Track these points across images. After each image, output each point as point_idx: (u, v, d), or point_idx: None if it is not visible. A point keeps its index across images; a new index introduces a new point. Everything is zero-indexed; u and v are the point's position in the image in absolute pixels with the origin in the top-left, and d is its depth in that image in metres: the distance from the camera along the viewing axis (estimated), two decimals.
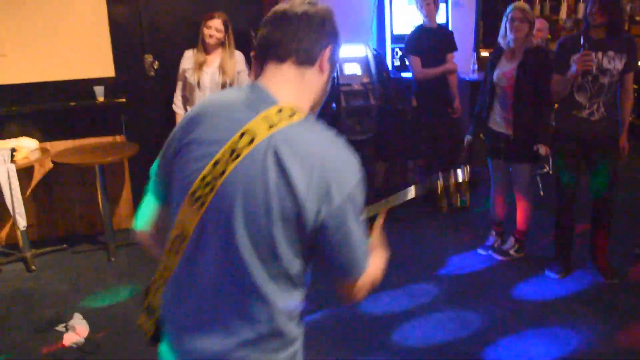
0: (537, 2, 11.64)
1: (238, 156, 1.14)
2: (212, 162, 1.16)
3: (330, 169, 1.13)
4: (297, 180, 1.11)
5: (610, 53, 3.21)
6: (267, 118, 1.15)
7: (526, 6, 3.57)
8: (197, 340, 1.22)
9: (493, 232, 4.09)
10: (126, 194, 4.64)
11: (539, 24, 4.84)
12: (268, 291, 1.18)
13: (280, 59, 1.23)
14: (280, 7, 1.26)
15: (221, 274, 1.19)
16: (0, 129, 4.16)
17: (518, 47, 3.57)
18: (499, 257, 3.93)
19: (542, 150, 3.58)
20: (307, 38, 1.23)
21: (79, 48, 4.27)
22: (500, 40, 3.68)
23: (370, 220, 1.50)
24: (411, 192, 1.56)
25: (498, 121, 3.72)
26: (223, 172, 1.15)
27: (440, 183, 1.51)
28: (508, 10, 3.58)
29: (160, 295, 1.31)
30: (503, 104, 3.67)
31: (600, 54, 3.20)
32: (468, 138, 3.99)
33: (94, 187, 4.24)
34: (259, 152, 1.13)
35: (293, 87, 1.24)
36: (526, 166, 3.73)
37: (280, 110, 1.17)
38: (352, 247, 1.20)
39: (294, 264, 1.19)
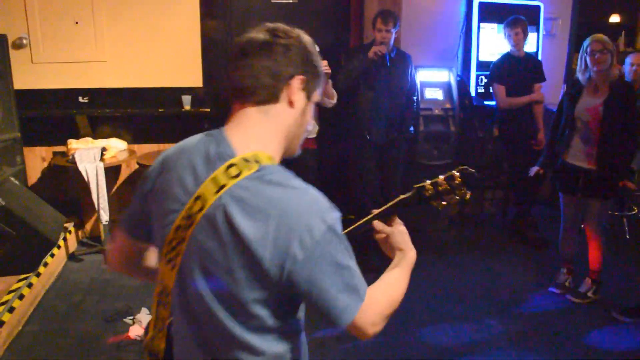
0: None
1: (193, 222, 1.11)
2: (174, 226, 1.13)
3: (288, 223, 1.05)
4: (252, 238, 1.05)
5: None
6: (215, 179, 1.10)
7: (604, 37, 3.40)
8: None
9: (564, 270, 3.89)
10: None
11: (637, 58, 4.59)
12: (255, 343, 1.15)
13: (242, 101, 1.17)
14: (242, 37, 1.19)
15: (206, 329, 1.17)
16: (94, 129, 4.48)
17: (601, 81, 3.42)
18: (576, 300, 3.71)
19: (630, 185, 3.41)
20: (265, 72, 1.14)
21: (171, 58, 4.53)
22: (579, 74, 3.53)
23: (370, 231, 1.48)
24: (395, 201, 1.48)
25: (578, 155, 3.56)
26: (184, 239, 1.13)
27: (429, 189, 1.48)
28: (586, 43, 3.43)
29: (159, 342, 1.30)
30: (586, 139, 3.52)
31: None
32: (535, 169, 3.86)
33: None
34: (210, 218, 1.09)
35: (255, 129, 1.17)
36: (605, 202, 3.56)
37: (231, 166, 1.10)
38: (329, 298, 1.10)
39: (272, 318, 1.14)
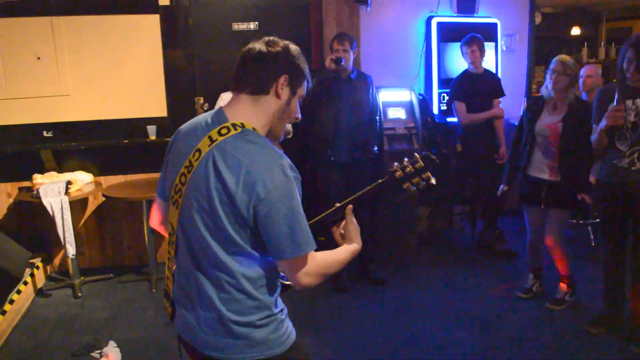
0: (602, 45, 11.39)
1: (192, 169, 1.50)
2: (180, 173, 1.53)
3: (254, 170, 1.42)
4: (228, 180, 1.43)
5: None
6: (210, 136, 1.49)
7: (568, 60, 3.54)
8: (183, 309, 1.63)
9: (531, 275, 4.02)
10: None
11: (589, 70, 4.75)
12: (232, 265, 1.51)
13: (239, 91, 1.57)
14: (245, 48, 1.59)
15: (196, 255, 1.55)
16: (59, 163, 4.48)
17: (559, 99, 3.57)
18: (554, 307, 3.80)
19: (587, 199, 3.55)
20: (259, 72, 1.54)
21: (135, 89, 4.57)
22: (542, 90, 3.67)
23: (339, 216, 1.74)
24: (373, 185, 1.73)
25: (540, 168, 3.68)
26: (184, 183, 1.52)
27: (398, 170, 1.67)
28: (552, 62, 3.58)
29: (169, 282, 1.71)
30: (546, 153, 3.64)
31: (638, 101, 3.07)
32: (503, 188, 3.96)
33: (142, 221, 4.45)
34: (203, 163, 1.48)
35: (246, 110, 1.55)
36: (566, 212, 3.66)
37: (222, 128, 1.49)
38: (279, 233, 1.45)
39: (246, 243, 1.49)
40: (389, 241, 4.74)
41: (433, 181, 1.69)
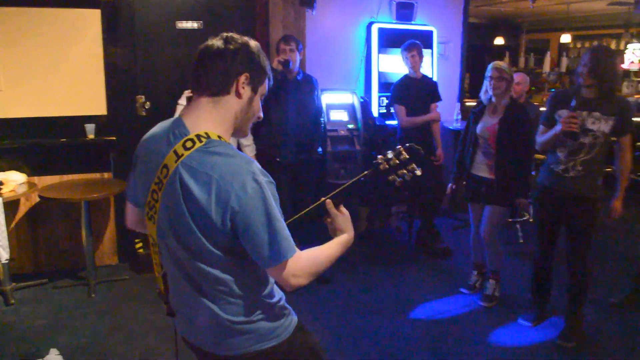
0: (522, 55, 12.05)
1: (162, 186, 1.45)
2: (151, 190, 1.49)
3: (225, 183, 1.37)
4: (200, 197, 1.39)
5: (596, 114, 3.19)
6: (176, 151, 1.43)
7: (503, 65, 3.77)
8: (181, 314, 1.63)
9: (475, 272, 4.23)
10: (110, 231, 4.67)
11: (519, 77, 5.02)
12: (219, 274, 1.48)
13: (199, 93, 1.51)
14: (202, 45, 1.51)
15: (183, 267, 1.52)
16: None
17: (498, 103, 3.77)
18: (486, 304, 3.99)
19: (521, 204, 3.76)
20: (218, 72, 1.48)
21: (73, 86, 4.38)
22: (481, 95, 3.87)
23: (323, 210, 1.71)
24: (358, 177, 1.72)
25: (481, 167, 3.88)
26: (157, 200, 1.48)
27: (382, 162, 1.70)
28: (487, 69, 3.78)
29: (160, 284, 1.68)
30: (486, 153, 3.84)
31: (585, 114, 3.21)
32: (450, 186, 4.13)
33: (79, 223, 4.27)
34: (172, 181, 1.43)
35: (207, 115, 1.49)
36: (501, 209, 3.85)
37: (186, 141, 1.43)
38: (259, 242, 1.41)
39: (228, 254, 1.46)
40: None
41: (418, 172, 1.69)
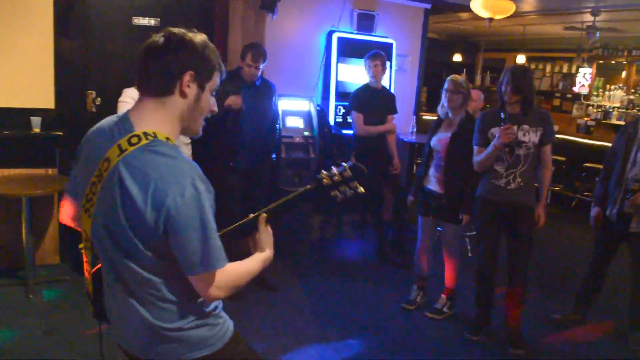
0: (479, 72, 12.34)
1: (101, 179, 1.41)
2: (90, 182, 1.44)
3: (163, 185, 1.33)
4: (136, 195, 1.35)
5: (525, 127, 3.42)
6: (120, 146, 1.39)
7: (460, 79, 3.83)
8: (115, 319, 1.58)
9: (415, 287, 4.22)
10: (53, 229, 4.50)
11: (474, 94, 5.12)
12: (150, 276, 1.44)
13: (143, 93, 1.46)
14: (145, 42, 1.44)
15: (114, 267, 1.48)
16: None
17: (454, 117, 3.83)
18: (433, 316, 4.01)
19: (465, 219, 3.82)
20: (157, 71, 1.41)
21: (20, 77, 4.21)
22: (439, 109, 3.93)
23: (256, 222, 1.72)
24: (300, 191, 1.75)
25: (432, 181, 3.92)
26: (95, 192, 1.43)
27: (325, 177, 1.73)
28: (445, 82, 3.84)
29: (88, 285, 1.64)
30: (437, 167, 3.89)
31: (515, 128, 3.39)
32: (410, 199, 4.15)
33: (19, 220, 4.10)
34: (111, 175, 1.38)
35: (152, 114, 1.44)
36: (453, 226, 3.89)
37: (132, 136, 1.39)
38: (189, 249, 1.38)
39: (160, 257, 1.41)
40: (282, 248, 4.78)
41: (361, 190, 1.73)
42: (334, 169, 1.74)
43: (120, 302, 1.51)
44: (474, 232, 5.59)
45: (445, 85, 3.84)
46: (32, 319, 3.65)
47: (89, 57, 4.48)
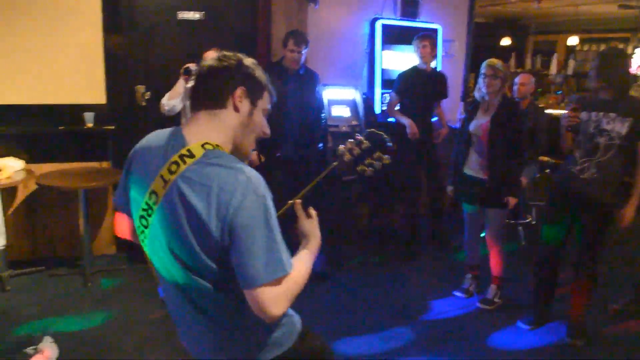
0: (529, 56, 11.97)
1: (158, 198, 1.43)
2: (144, 201, 1.46)
3: (225, 195, 1.34)
4: (199, 208, 1.36)
5: (612, 115, 3.14)
6: (173, 163, 1.41)
7: (497, 63, 3.71)
8: (179, 327, 1.64)
9: (469, 276, 4.15)
10: (108, 220, 4.65)
11: (523, 78, 4.98)
12: (217, 295, 1.45)
13: (197, 109, 1.52)
14: (199, 66, 1.55)
15: (178, 286, 1.50)
16: None
17: (491, 101, 3.72)
18: (486, 307, 3.94)
19: (511, 202, 3.70)
20: (212, 88, 1.50)
21: (72, 74, 4.35)
22: (476, 93, 3.84)
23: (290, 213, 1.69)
24: (326, 170, 1.73)
25: (474, 167, 3.83)
26: (151, 213, 1.45)
27: (345, 153, 1.69)
28: (482, 66, 3.74)
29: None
30: (479, 152, 3.79)
31: (601, 114, 3.17)
32: (450, 188, 4.07)
33: (77, 212, 4.25)
34: (170, 193, 1.40)
35: (205, 127, 1.49)
36: (499, 212, 3.80)
37: (184, 152, 1.42)
38: (250, 258, 1.35)
39: (224, 269, 1.41)
40: (330, 236, 4.79)
41: (387, 160, 1.68)
42: (350, 142, 1.68)
43: (186, 312, 1.54)
44: (527, 220, 5.49)
45: (483, 70, 3.73)
46: (89, 306, 3.80)
47: (137, 52, 4.58)
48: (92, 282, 4.13)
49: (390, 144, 1.71)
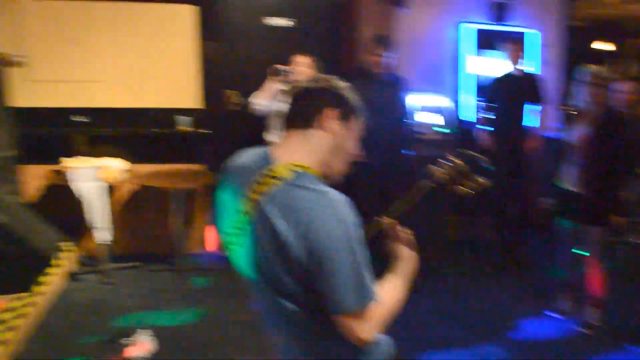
0: (630, 62, 11.29)
1: (245, 217, 1.43)
2: (234, 220, 1.47)
3: (312, 220, 1.33)
4: (285, 232, 1.34)
5: None
6: (262, 184, 1.41)
7: (601, 71, 3.52)
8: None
9: (564, 295, 3.92)
10: (201, 220, 4.84)
11: (625, 86, 4.71)
12: (296, 315, 1.43)
13: (288, 127, 1.52)
14: (292, 86, 1.58)
15: (268, 306, 1.51)
16: (90, 148, 4.50)
17: (595, 111, 3.53)
18: (585, 330, 3.69)
19: (617, 221, 3.50)
20: (304, 108, 1.51)
21: (171, 79, 4.59)
22: (577, 102, 3.65)
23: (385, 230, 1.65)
24: (420, 188, 1.69)
25: (573, 181, 3.64)
26: (240, 232, 1.46)
27: (442, 172, 1.62)
28: (583, 74, 3.55)
29: None
30: (577, 164, 3.60)
31: None
32: (545, 201, 3.88)
33: (173, 211, 4.45)
34: (256, 214, 1.41)
35: (295, 147, 1.49)
36: (599, 229, 3.60)
37: (274, 173, 1.41)
38: (336, 284, 1.34)
39: (311, 295, 1.38)
40: (418, 248, 4.73)
41: (483, 181, 1.63)
42: (445, 164, 1.64)
43: (273, 330, 1.55)
44: (630, 239, 5.13)
45: (584, 78, 3.53)
46: (183, 302, 3.96)
47: (230, 58, 4.74)
48: (185, 279, 4.30)
49: (485, 164, 1.64)
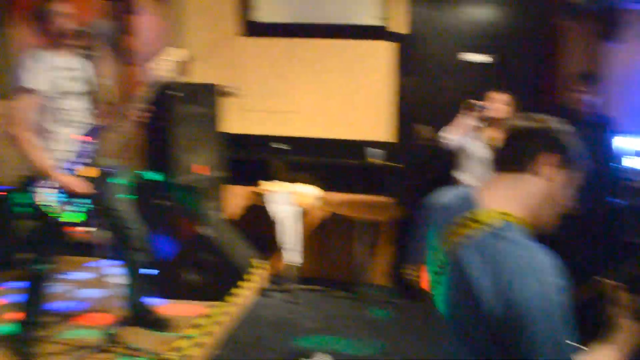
0: None
1: (444, 259, 1.39)
2: (436, 260, 1.43)
3: (509, 277, 1.22)
4: (477, 285, 1.25)
5: None
6: (462, 229, 1.34)
7: None
8: None
9: None
10: (387, 253, 4.87)
11: None
12: None
13: (498, 170, 1.44)
14: (508, 123, 1.53)
15: (454, 346, 1.40)
16: (288, 174, 4.81)
17: None
18: None
19: None
20: (519, 150, 1.40)
21: (366, 112, 4.75)
22: None
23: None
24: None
25: None
26: (440, 274, 1.41)
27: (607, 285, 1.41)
28: None
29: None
30: None
31: None
32: None
33: (360, 240, 4.56)
34: (456, 258, 1.33)
35: (503, 195, 1.39)
36: None
37: (480, 219, 1.33)
38: (529, 351, 1.21)
39: (503, 354, 1.26)
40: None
41: None
42: (615, 284, 1.43)
43: None
44: None
45: None
46: (365, 332, 4.00)
47: (424, 93, 4.74)
48: (365, 309, 4.35)
49: None
